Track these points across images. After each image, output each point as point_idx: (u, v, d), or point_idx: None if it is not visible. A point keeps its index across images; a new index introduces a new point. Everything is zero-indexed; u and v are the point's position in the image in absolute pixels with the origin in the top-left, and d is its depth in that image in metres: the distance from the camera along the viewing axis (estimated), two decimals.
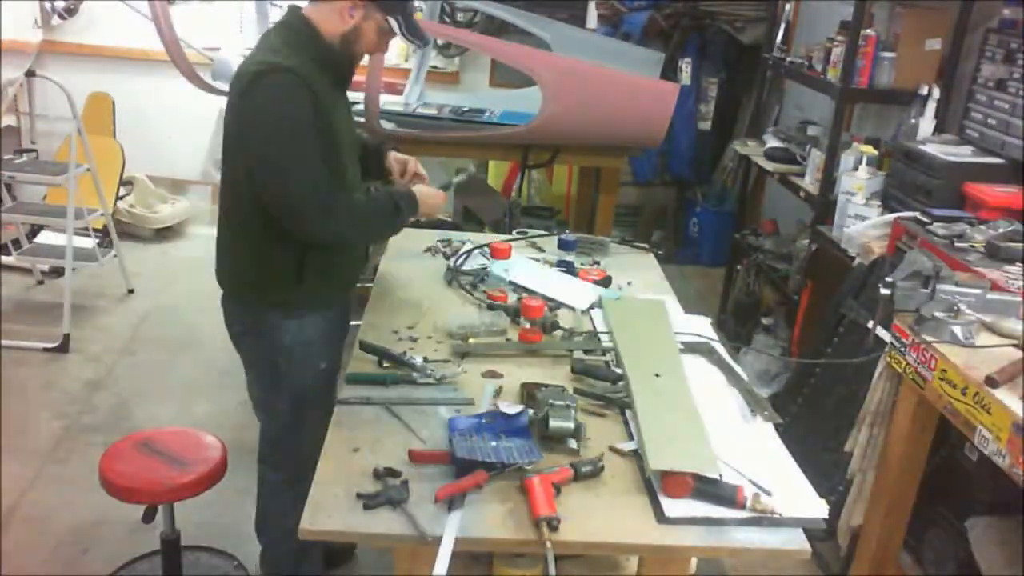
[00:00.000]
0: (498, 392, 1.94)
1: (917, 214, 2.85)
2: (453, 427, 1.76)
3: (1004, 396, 1.88)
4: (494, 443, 1.70)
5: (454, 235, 2.92)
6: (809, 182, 3.73)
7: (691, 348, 2.21)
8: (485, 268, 2.59)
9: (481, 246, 2.75)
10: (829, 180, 3.49)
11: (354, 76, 2.19)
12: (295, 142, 1.93)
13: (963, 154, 3.03)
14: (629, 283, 2.63)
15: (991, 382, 1.90)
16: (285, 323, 2.13)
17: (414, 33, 2.11)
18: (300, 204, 1.94)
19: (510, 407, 1.81)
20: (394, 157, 2.42)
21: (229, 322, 2.25)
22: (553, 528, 1.50)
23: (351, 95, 4.31)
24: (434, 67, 5.27)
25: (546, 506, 1.54)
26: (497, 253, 2.66)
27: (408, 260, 2.68)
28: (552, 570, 1.46)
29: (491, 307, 2.35)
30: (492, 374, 2.00)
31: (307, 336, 2.15)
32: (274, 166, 1.94)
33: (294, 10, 2.10)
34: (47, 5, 5.14)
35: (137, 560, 2.66)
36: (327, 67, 2.07)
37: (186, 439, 2.34)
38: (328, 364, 2.24)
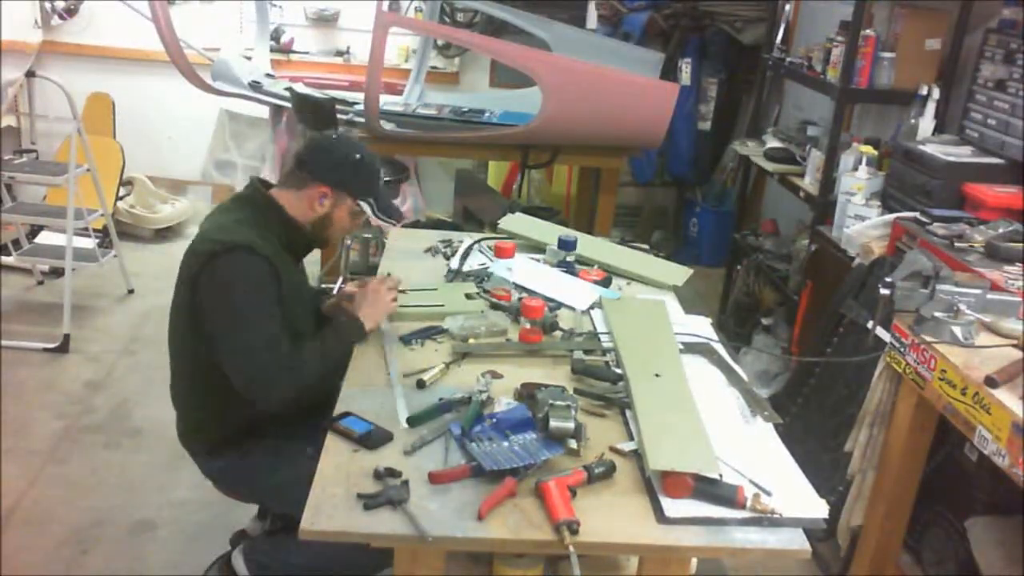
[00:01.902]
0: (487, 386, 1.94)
1: (917, 214, 2.85)
2: (465, 437, 1.74)
3: (1004, 396, 1.88)
4: (506, 443, 1.71)
5: (454, 235, 2.92)
6: (809, 182, 3.73)
7: (691, 348, 2.21)
8: (486, 268, 2.59)
9: (479, 240, 2.74)
10: (829, 180, 3.49)
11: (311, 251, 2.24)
12: (257, 319, 1.93)
13: (963, 154, 3.03)
14: (629, 283, 2.63)
15: (991, 382, 1.90)
16: (246, 463, 2.14)
17: (387, 212, 2.17)
18: (266, 377, 1.91)
19: (505, 404, 1.81)
20: (325, 309, 2.30)
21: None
22: (574, 532, 1.50)
23: (352, 96, 4.34)
24: (434, 67, 5.27)
25: (565, 510, 1.54)
26: (501, 252, 2.66)
27: (408, 260, 2.68)
28: (576, 570, 1.47)
29: (494, 307, 2.35)
30: (492, 374, 2.00)
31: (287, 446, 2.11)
32: (239, 345, 1.93)
33: (258, 188, 2.12)
34: (47, 5, 5.14)
35: None
36: (291, 247, 2.11)
37: None
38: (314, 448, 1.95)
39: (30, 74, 4.72)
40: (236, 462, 2.16)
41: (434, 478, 1.62)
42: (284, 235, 2.08)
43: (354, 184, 2.12)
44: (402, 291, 2.29)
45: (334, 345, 2.05)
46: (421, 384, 1.93)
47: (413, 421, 1.80)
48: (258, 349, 1.91)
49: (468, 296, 2.40)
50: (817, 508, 1.63)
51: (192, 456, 2.24)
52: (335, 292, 2.40)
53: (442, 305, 2.31)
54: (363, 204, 2.13)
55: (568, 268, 2.62)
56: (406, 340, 2.15)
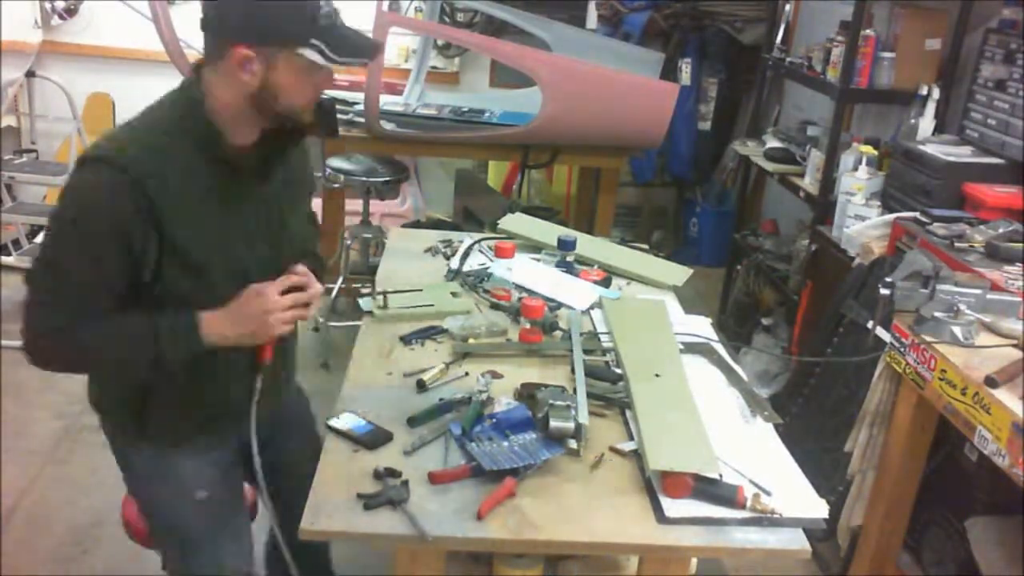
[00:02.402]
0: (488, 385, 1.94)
1: (917, 214, 2.85)
2: (465, 437, 1.74)
3: (1004, 396, 1.88)
4: (506, 443, 1.70)
5: (454, 235, 2.92)
6: (809, 182, 3.73)
7: (691, 348, 2.21)
8: (486, 267, 2.59)
9: (479, 240, 2.74)
10: (829, 180, 3.49)
11: (286, 157, 1.65)
12: (56, 258, 1.51)
13: (963, 154, 3.03)
14: (629, 283, 2.63)
15: (990, 382, 1.90)
16: (135, 449, 1.73)
17: (349, 51, 1.51)
18: (32, 335, 1.59)
19: (505, 404, 1.81)
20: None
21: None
22: None
23: (352, 96, 4.33)
24: (434, 67, 5.27)
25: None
26: (501, 252, 2.66)
27: (408, 260, 2.68)
28: None
29: (494, 307, 2.35)
30: (493, 374, 2.00)
31: (169, 468, 1.72)
32: (31, 281, 1.55)
33: (192, 76, 1.56)
34: (47, 5, 5.14)
35: None
36: (213, 159, 1.53)
37: None
38: (212, 492, 1.75)
39: (30, 74, 4.72)
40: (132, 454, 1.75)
41: (434, 478, 1.61)
42: (205, 143, 1.53)
43: (280, 25, 1.46)
44: (380, 293, 2.25)
45: (141, 347, 1.53)
46: (421, 384, 1.93)
47: (413, 422, 1.80)
48: (40, 305, 1.54)
49: (454, 294, 2.39)
50: (817, 508, 1.64)
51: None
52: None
53: (431, 305, 2.30)
54: (306, 52, 1.47)
55: (568, 268, 2.62)
56: (406, 340, 2.15)
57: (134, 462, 1.76)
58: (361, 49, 1.55)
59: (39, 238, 4.63)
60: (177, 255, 1.51)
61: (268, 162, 1.62)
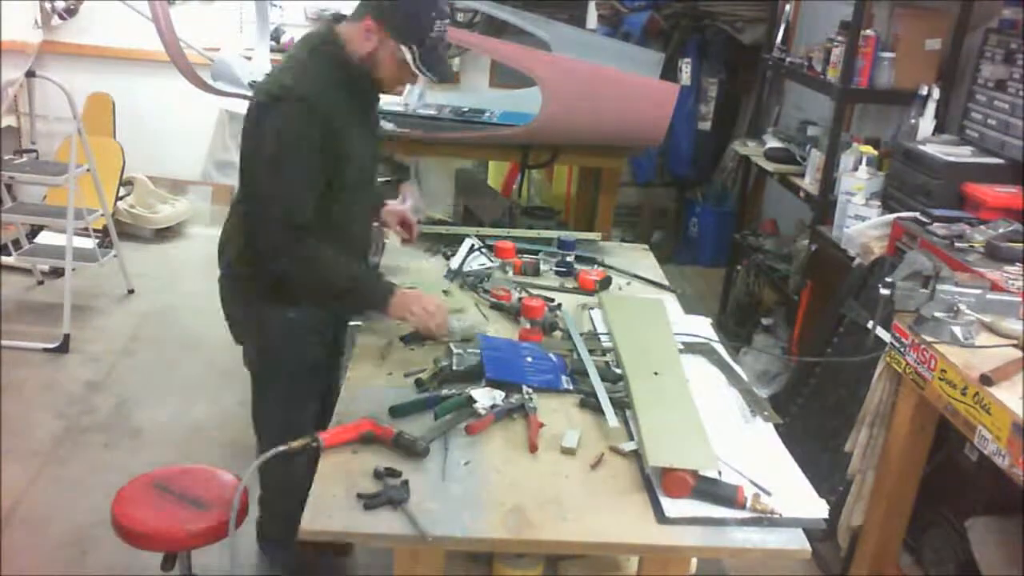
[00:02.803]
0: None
1: (917, 214, 2.85)
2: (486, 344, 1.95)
3: (1004, 396, 1.88)
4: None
5: (454, 230, 2.91)
6: (809, 182, 3.73)
7: (691, 348, 2.21)
8: (486, 267, 2.59)
9: (476, 248, 2.73)
10: (829, 180, 3.49)
11: (379, 99, 2.18)
12: (289, 170, 1.94)
13: (963, 154, 3.03)
14: (628, 283, 2.63)
15: (986, 380, 1.90)
16: (272, 310, 2.14)
17: (430, 67, 2.01)
18: (267, 229, 1.97)
19: (490, 398, 1.85)
20: (387, 210, 2.46)
21: (225, 307, 2.27)
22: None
23: None
24: None
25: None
26: (501, 252, 2.66)
27: (408, 260, 2.68)
28: None
29: (494, 307, 2.35)
30: None
31: (293, 326, 2.15)
32: (262, 187, 1.98)
33: (326, 24, 2.08)
34: (47, 5, 5.14)
35: None
36: (351, 89, 2.04)
37: (202, 478, 2.16)
38: (315, 358, 2.24)
39: (30, 74, 4.72)
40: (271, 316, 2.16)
41: (471, 429, 1.75)
42: (351, 79, 2.03)
43: (400, 24, 1.97)
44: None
45: (355, 289, 2.07)
46: (420, 384, 1.93)
47: (396, 412, 1.81)
48: (277, 199, 1.95)
49: (446, 292, 2.40)
50: (817, 508, 1.63)
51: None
52: (398, 201, 2.49)
53: None
54: (404, 50, 1.98)
55: (567, 268, 2.62)
56: (405, 340, 2.15)
57: (265, 324, 2.17)
58: (441, 73, 2.07)
59: (39, 238, 4.64)
60: (342, 163, 2.02)
61: (376, 95, 2.19)
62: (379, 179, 3.94)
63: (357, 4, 2.05)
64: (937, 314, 2.14)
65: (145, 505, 2.06)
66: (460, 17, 5.30)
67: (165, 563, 2.11)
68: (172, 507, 2.06)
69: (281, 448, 1.66)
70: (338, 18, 2.08)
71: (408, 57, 1.98)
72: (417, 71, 2.01)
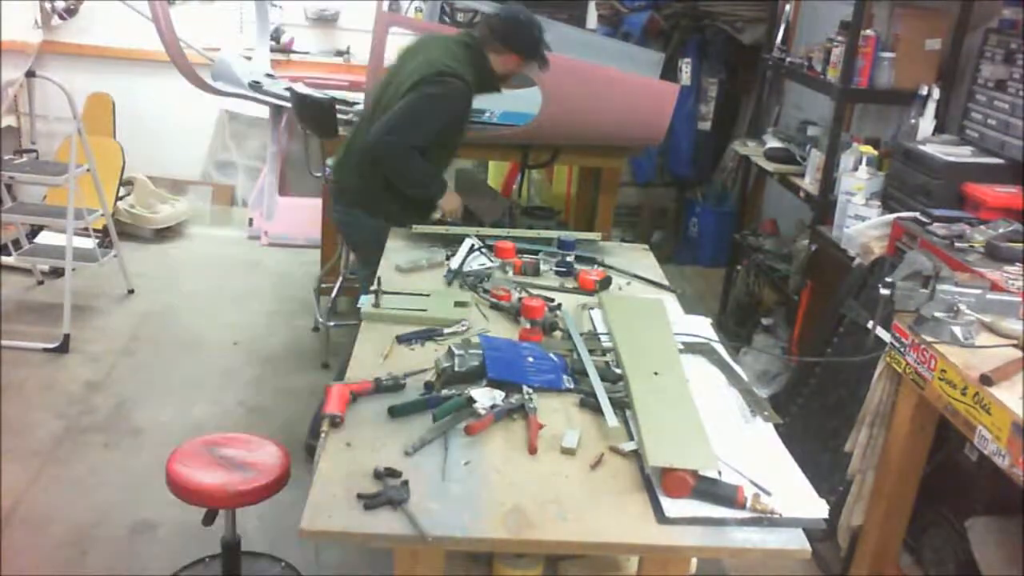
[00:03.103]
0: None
1: (917, 214, 2.85)
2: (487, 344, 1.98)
3: (1004, 396, 1.88)
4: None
5: (454, 230, 2.91)
6: (809, 182, 3.73)
7: (691, 348, 2.21)
8: (486, 267, 2.58)
9: (476, 248, 2.73)
10: (829, 180, 3.49)
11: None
12: (429, 122, 2.83)
13: (963, 154, 3.03)
14: (628, 283, 2.63)
15: (985, 380, 1.90)
16: (373, 220, 3.00)
17: (545, 65, 3.08)
18: (390, 144, 2.82)
19: (490, 398, 1.85)
20: (445, 200, 3.11)
21: (337, 212, 3.21)
22: (335, 425, 1.75)
23: (352, 96, 4.33)
24: None
25: (336, 406, 1.78)
26: (501, 252, 2.66)
27: (408, 260, 2.68)
28: None
29: (494, 307, 2.35)
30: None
31: (380, 228, 2.94)
32: (401, 117, 2.80)
33: (476, 41, 2.96)
34: (47, 5, 5.15)
35: (194, 564, 2.66)
36: (482, 87, 2.97)
37: (250, 445, 2.36)
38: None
39: (30, 74, 4.72)
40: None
41: (471, 429, 1.76)
42: (483, 80, 2.95)
43: (532, 54, 2.98)
44: (374, 291, 2.32)
45: (430, 183, 3.01)
46: (428, 386, 1.93)
47: (395, 412, 1.80)
48: (401, 133, 2.81)
49: (458, 303, 2.35)
50: (817, 508, 1.63)
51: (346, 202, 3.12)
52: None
53: (424, 310, 2.28)
54: (534, 64, 3.03)
55: (567, 268, 2.62)
56: (405, 340, 2.15)
57: (365, 223, 3.06)
58: (548, 64, 3.09)
59: (39, 238, 4.64)
60: (461, 132, 3.09)
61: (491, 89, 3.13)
62: None
63: (490, 36, 2.95)
64: (937, 314, 2.14)
65: (197, 464, 2.27)
66: (460, 17, 5.31)
67: (206, 518, 2.28)
68: (220, 468, 2.26)
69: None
70: (475, 36, 3.01)
71: (536, 68, 3.07)
72: (541, 69, 3.11)
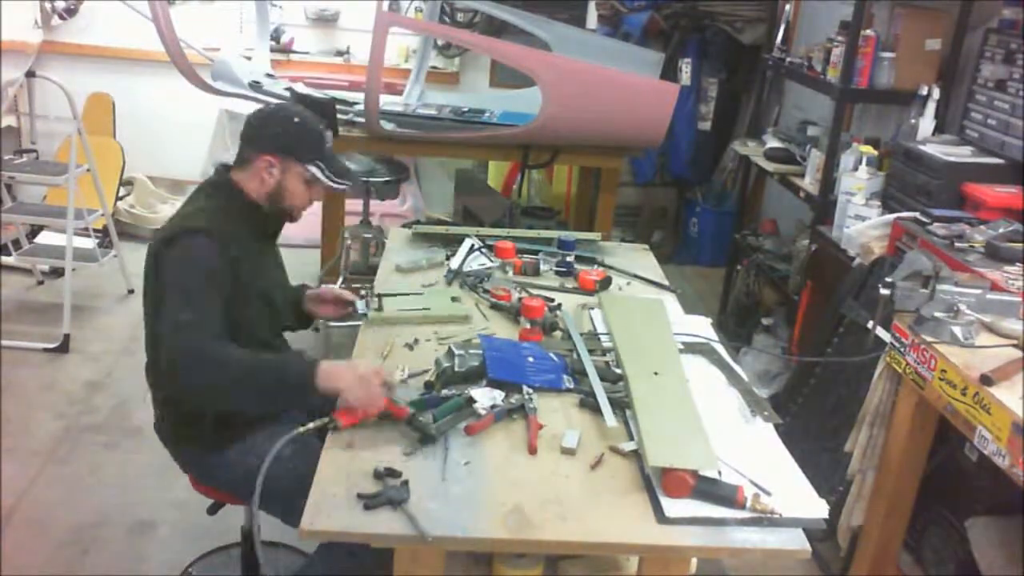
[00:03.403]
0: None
1: (917, 214, 2.85)
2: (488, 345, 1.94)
3: (1004, 396, 1.88)
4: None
5: (454, 230, 2.91)
6: (809, 182, 3.73)
7: (691, 348, 2.21)
8: (486, 267, 2.59)
9: (476, 248, 2.74)
10: (829, 180, 3.49)
11: (283, 228, 2.20)
12: (190, 295, 1.86)
13: (963, 154, 3.03)
14: (628, 283, 2.64)
15: (986, 380, 1.90)
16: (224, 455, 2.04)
17: (340, 175, 2.10)
18: (186, 356, 1.78)
19: (489, 398, 1.85)
20: (308, 296, 2.32)
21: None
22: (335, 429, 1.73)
23: (352, 96, 4.33)
24: (434, 67, 5.28)
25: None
26: (501, 252, 2.66)
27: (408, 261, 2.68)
28: None
29: (494, 307, 2.35)
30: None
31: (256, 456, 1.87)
32: (170, 318, 1.84)
33: (222, 173, 2.11)
34: (47, 5, 5.14)
35: (211, 553, 2.69)
36: (252, 226, 2.08)
37: None
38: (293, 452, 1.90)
39: (30, 74, 4.72)
40: (219, 455, 2.06)
41: (470, 429, 1.76)
42: (249, 217, 2.07)
43: (297, 147, 2.05)
44: (376, 295, 2.27)
45: (271, 373, 1.83)
46: (428, 386, 1.93)
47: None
48: (186, 326, 1.80)
49: (454, 299, 2.37)
50: (817, 508, 1.63)
51: (174, 450, 2.15)
52: (317, 287, 2.36)
53: (428, 309, 2.29)
54: (312, 169, 2.06)
55: (568, 268, 2.62)
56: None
57: (213, 462, 2.08)
58: (349, 175, 2.16)
59: (39, 237, 4.64)
60: (248, 290, 2.02)
61: (277, 227, 2.22)
62: (380, 179, 3.98)
63: (239, 152, 2.09)
64: (937, 314, 2.14)
65: None
66: (460, 17, 5.31)
67: (211, 509, 2.27)
68: None
69: (299, 429, 1.68)
70: (227, 167, 2.12)
71: (318, 173, 2.07)
72: (330, 182, 2.08)
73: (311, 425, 1.71)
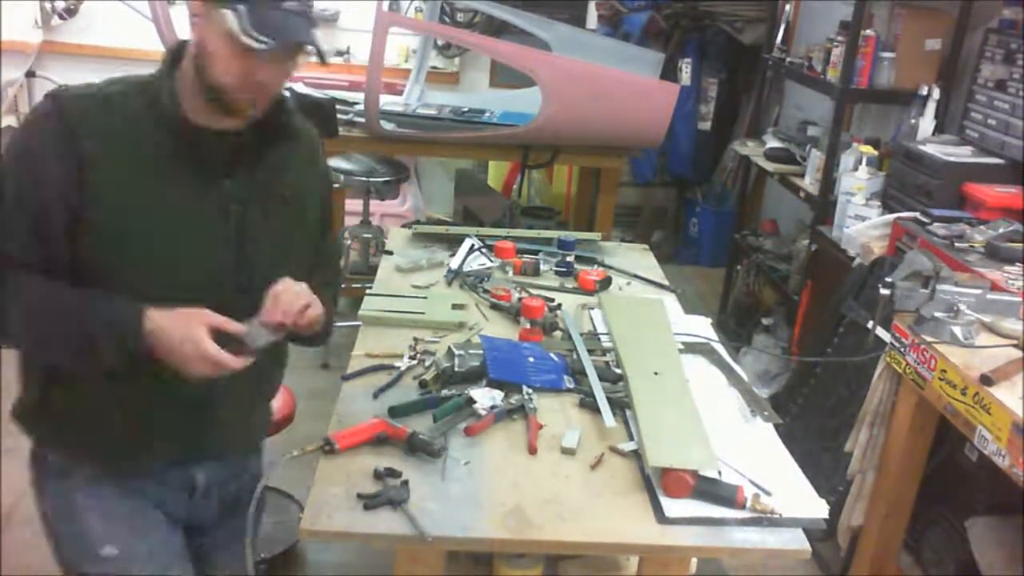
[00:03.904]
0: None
1: (917, 214, 2.85)
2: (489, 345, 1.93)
3: (1004, 396, 1.88)
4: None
5: (454, 230, 2.91)
6: (809, 182, 3.73)
7: (691, 348, 2.21)
8: (486, 267, 2.59)
9: (476, 248, 2.73)
10: (829, 180, 3.49)
11: (246, 157, 1.46)
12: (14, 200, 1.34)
13: (963, 154, 3.03)
14: (628, 283, 2.64)
15: (986, 380, 1.90)
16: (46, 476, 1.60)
17: (261, 29, 1.31)
18: None
19: (489, 399, 1.84)
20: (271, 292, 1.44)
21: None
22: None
23: (352, 96, 4.32)
24: (434, 67, 5.27)
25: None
26: (501, 252, 2.66)
27: (408, 261, 2.68)
28: None
29: (494, 307, 2.35)
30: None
31: (74, 505, 1.55)
32: None
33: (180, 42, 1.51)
34: (47, 5, 5.14)
35: None
36: (173, 133, 1.41)
37: None
38: (121, 550, 1.52)
39: (30, 74, 4.72)
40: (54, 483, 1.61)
41: (470, 431, 1.74)
42: (172, 117, 1.42)
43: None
44: (373, 295, 2.22)
45: (75, 315, 1.34)
46: (424, 385, 1.93)
47: (395, 412, 1.80)
48: None
49: (456, 306, 2.32)
50: (817, 508, 1.63)
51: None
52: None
53: (422, 313, 2.27)
54: (228, 14, 1.31)
55: (568, 269, 2.62)
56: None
57: (45, 487, 1.62)
58: (281, 30, 1.32)
59: None
60: (108, 223, 1.35)
61: (236, 157, 1.44)
62: (380, 179, 3.98)
63: None
64: (937, 314, 2.14)
65: None
66: (460, 17, 5.31)
67: None
68: None
69: (295, 453, 1.59)
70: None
71: (232, 20, 1.31)
72: (243, 35, 1.31)
73: (309, 448, 1.59)
